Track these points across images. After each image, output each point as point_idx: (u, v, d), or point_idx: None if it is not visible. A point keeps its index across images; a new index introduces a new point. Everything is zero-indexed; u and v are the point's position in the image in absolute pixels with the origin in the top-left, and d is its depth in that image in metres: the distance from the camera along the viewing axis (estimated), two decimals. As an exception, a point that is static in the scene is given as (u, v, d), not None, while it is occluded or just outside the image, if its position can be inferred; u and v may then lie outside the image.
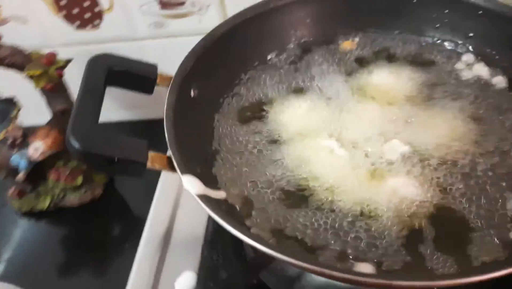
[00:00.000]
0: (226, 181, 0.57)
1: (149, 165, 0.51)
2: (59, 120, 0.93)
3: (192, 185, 0.49)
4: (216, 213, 0.46)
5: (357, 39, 0.73)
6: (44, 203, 0.96)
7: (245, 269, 0.57)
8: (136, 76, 0.59)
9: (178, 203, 0.72)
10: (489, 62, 0.68)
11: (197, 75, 0.63)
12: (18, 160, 0.87)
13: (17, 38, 0.85)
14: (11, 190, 0.97)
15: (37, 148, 0.89)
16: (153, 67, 0.60)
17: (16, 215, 0.97)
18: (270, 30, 0.71)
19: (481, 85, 0.66)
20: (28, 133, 0.91)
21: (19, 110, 0.91)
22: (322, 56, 0.72)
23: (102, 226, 0.89)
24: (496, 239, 0.49)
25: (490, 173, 0.55)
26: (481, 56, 0.69)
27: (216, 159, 0.60)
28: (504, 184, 0.54)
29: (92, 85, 0.54)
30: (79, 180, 0.95)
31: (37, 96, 0.87)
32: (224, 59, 0.67)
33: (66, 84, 0.91)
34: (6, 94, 0.91)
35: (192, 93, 0.62)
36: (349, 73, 0.70)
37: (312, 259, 0.45)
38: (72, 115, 0.51)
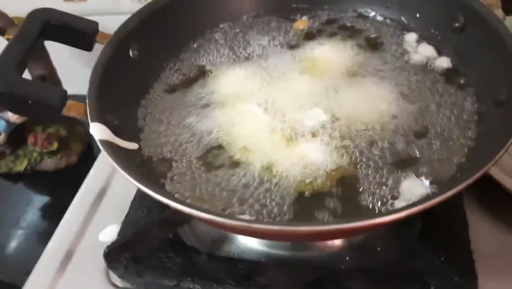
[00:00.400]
0: (148, 136, 0.59)
1: (65, 111, 0.53)
2: (37, 85, 0.96)
3: (98, 131, 0.50)
4: (112, 157, 0.48)
5: (306, 18, 0.73)
6: (22, 166, 1.00)
7: (162, 223, 0.58)
8: (74, 31, 0.61)
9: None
10: (433, 43, 0.67)
11: (139, 36, 0.65)
12: (-1, 121, 0.91)
13: (6, 5, 0.89)
14: (-9, 152, 1.01)
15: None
16: (93, 24, 0.62)
17: (-6, 174, 1.01)
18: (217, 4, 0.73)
19: (422, 65, 0.65)
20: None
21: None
22: (272, 29, 0.73)
23: (74, 191, 0.92)
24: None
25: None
26: (425, 36, 0.68)
27: (143, 117, 0.62)
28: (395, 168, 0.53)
29: (24, 35, 0.57)
30: (55, 145, 0.99)
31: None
32: (172, 24, 0.69)
33: (47, 51, 0.95)
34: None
35: (130, 53, 0.64)
36: (292, 46, 0.70)
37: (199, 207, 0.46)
38: (-3, 59, 0.53)
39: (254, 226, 0.40)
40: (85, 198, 0.69)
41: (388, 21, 0.72)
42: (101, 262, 0.59)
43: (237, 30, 0.74)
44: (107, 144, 0.50)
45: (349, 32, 0.72)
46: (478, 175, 0.42)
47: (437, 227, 0.58)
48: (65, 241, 0.65)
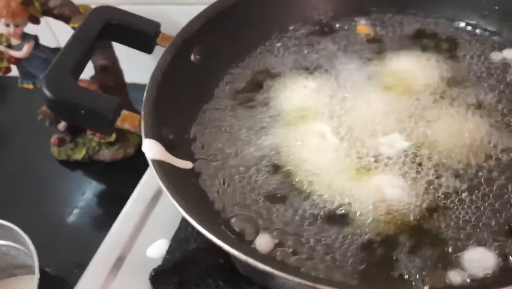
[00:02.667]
0: (203, 153, 0.54)
1: (118, 123, 0.49)
2: (100, 75, 0.94)
3: (150, 149, 0.46)
4: (163, 180, 0.44)
5: (370, 24, 0.65)
6: (80, 154, 0.99)
7: (213, 246, 0.54)
8: (135, 32, 0.57)
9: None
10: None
11: (202, 39, 0.60)
12: (61, 109, 0.89)
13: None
14: (53, 138, 1.01)
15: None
16: (155, 25, 0.58)
17: (55, 161, 1.01)
18: (289, 3, 0.66)
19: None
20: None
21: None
22: (341, 37, 0.65)
23: (129, 183, 0.90)
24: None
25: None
26: None
27: (200, 128, 0.57)
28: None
29: (83, 35, 0.53)
30: (113, 136, 0.97)
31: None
32: (237, 27, 0.63)
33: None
34: (53, 44, 0.94)
35: (192, 57, 0.59)
36: (366, 57, 0.63)
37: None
38: (52, 62, 0.50)
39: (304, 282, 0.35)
40: (135, 207, 0.66)
41: (485, 33, 0.63)
42: (147, 279, 0.56)
43: (304, 36, 0.67)
44: (160, 165, 0.46)
45: (437, 43, 0.63)
46: None
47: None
48: (114, 251, 0.62)
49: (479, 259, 0.41)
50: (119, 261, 0.61)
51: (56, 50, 0.93)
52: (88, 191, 0.97)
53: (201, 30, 0.60)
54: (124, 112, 0.50)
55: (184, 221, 0.60)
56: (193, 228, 0.51)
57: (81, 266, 0.64)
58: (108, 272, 0.60)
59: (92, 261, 0.62)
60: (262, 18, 0.65)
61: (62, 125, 1.00)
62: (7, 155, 1.08)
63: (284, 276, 0.37)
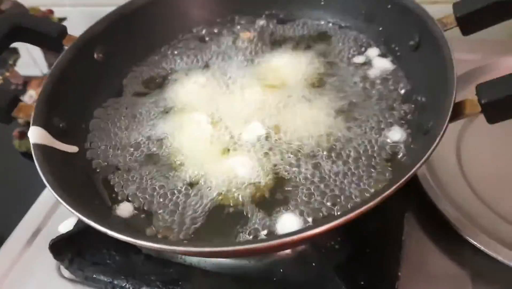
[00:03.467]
0: (94, 139, 0.62)
1: (15, 113, 0.57)
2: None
3: (34, 134, 0.54)
4: (40, 164, 0.51)
5: (254, 33, 0.73)
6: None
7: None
8: (41, 34, 0.65)
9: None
10: (392, 59, 0.65)
11: (106, 39, 0.68)
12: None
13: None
14: (15, 132, 1.09)
15: (31, 96, 1.00)
16: (61, 27, 0.66)
17: (16, 152, 1.09)
18: (186, 7, 0.74)
19: (374, 82, 0.63)
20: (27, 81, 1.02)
21: (17, 58, 1.01)
22: (227, 39, 0.74)
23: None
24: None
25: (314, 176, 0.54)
26: (385, 51, 0.66)
27: (95, 121, 0.65)
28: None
29: (-9, 38, 0.61)
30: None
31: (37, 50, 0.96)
32: (141, 28, 0.71)
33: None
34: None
35: (95, 55, 0.67)
36: (247, 58, 0.71)
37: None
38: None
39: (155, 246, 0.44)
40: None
41: (351, 33, 0.70)
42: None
43: (199, 38, 0.75)
44: (40, 149, 0.54)
45: (309, 42, 0.71)
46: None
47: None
48: (31, 225, 0.71)
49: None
50: (34, 235, 0.69)
51: (11, 49, 1.01)
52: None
53: (104, 32, 0.68)
54: (21, 103, 0.58)
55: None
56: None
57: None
58: (23, 245, 0.69)
59: (12, 233, 0.70)
60: (162, 22, 0.73)
61: (22, 120, 1.09)
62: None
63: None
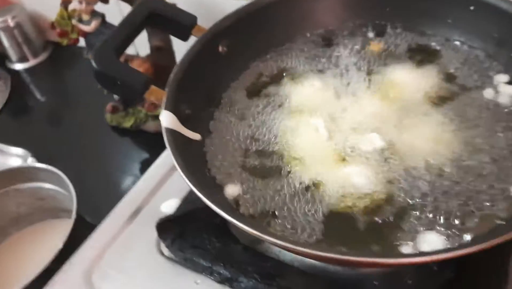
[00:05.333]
0: (215, 129, 0.65)
1: (147, 95, 0.61)
2: (154, 55, 1.07)
3: (166, 118, 0.58)
4: (171, 147, 0.55)
5: (383, 43, 0.73)
6: (129, 122, 1.12)
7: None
8: (174, 22, 0.68)
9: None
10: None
11: (232, 34, 0.70)
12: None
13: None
14: (108, 105, 1.15)
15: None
16: (192, 17, 0.69)
17: (107, 126, 1.15)
18: (314, 8, 0.75)
19: (500, 108, 0.62)
20: (127, 60, 1.06)
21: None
22: (349, 46, 0.74)
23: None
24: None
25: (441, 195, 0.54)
26: None
27: (217, 110, 0.68)
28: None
29: (129, 22, 0.65)
30: (159, 110, 1.09)
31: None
32: (265, 27, 0.73)
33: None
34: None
35: (220, 48, 0.70)
36: (368, 66, 0.71)
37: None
38: (101, 41, 0.62)
39: (279, 243, 0.46)
40: (157, 170, 0.78)
41: (480, 55, 0.69)
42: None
43: (319, 41, 0.76)
44: (171, 133, 0.57)
45: (432, 59, 0.70)
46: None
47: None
48: (133, 204, 0.74)
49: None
50: (136, 212, 0.73)
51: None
52: (131, 155, 1.10)
53: (230, 27, 0.70)
54: (153, 87, 0.62)
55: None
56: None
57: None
58: (125, 220, 0.72)
59: (113, 210, 0.74)
60: (284, 22, 0.74)
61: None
62: (68, 115, 1.25)
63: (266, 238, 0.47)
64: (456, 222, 0.52)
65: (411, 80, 0.67)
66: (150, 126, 1.12)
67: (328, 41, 0.75)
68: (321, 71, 0.72)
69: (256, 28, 0.73)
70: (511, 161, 0.56)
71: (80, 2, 0.99)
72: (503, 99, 0.63)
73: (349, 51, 0.73)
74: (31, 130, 1.23)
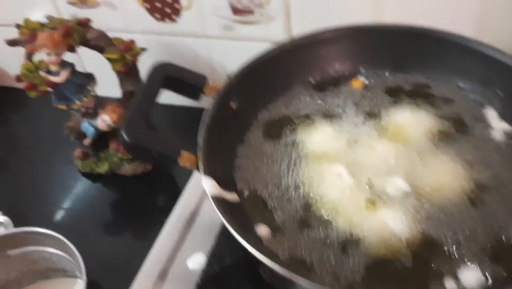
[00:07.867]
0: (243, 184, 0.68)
1: (181, 163, 0.62)
2: (126, 100, 1.06)
3: (209, 186, 0.59)
4: (224, 216, 0.56)
5: (363, 80, 0.80)
6: (103, 168, 1.10)
7: (246, 261, 0.66)
8: (187, 84, 0.70)
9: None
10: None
11: (239, 91, 0.73)
12: (87, 127, 1.02)
13: (103, 21, 0.98)
14: (77, 151, 1.11)
15: (104, 120, 1.02)
16: (203, 78, 0.71)
17: (78, 173, 1.11)
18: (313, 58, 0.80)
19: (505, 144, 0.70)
20: (99, 105, 1.04)
21: (94, 84, 1.04)
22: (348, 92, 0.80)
23: (148, 195, 1.01)
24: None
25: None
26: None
27: (239, 164, 0.71)
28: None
29: (149, 87, 0.66)
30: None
31: (112, 74, 0.99)
32: (267, 80, 0.77)
33: (138, 68, 1.03)
34: (87, 69, 1.04)
35: (232, 105, 0.72)
36: (375, 109, 0.77)
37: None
38: (127, 113, 0.62)
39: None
40: (176, 223, 0.78)
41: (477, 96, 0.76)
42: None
43: (323, 87, 0.81)
44: (217, 200, 0.59)
45: (430, 99, 0.77)
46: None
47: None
48: (158, 263, 0.74)
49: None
50: (163, 272, 0.73)
51: (89, 75, 1.04)
52: (109, 200, 1.08)
53: (238, 85, 0.73)
54: (184, 152, 0.63)
55: (219, 237, 0.73)
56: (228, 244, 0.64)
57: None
58: (153, 283, 0.72)
59: (139, 273, 0.73)
60: (289, 72, 0.79)
61: (87, 140, 1.10)
62: (33, 163, 1.19)
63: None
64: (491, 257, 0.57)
65: (411, 121, 0.73)
66: (126, 169, 1.10)
67: (328, 87, 0.80)
68: (329, 116, 0.76)
69: (260, 79, 0.76)
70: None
71: (49, 54, 0.96)
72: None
73: (352, 96, 0.78)
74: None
